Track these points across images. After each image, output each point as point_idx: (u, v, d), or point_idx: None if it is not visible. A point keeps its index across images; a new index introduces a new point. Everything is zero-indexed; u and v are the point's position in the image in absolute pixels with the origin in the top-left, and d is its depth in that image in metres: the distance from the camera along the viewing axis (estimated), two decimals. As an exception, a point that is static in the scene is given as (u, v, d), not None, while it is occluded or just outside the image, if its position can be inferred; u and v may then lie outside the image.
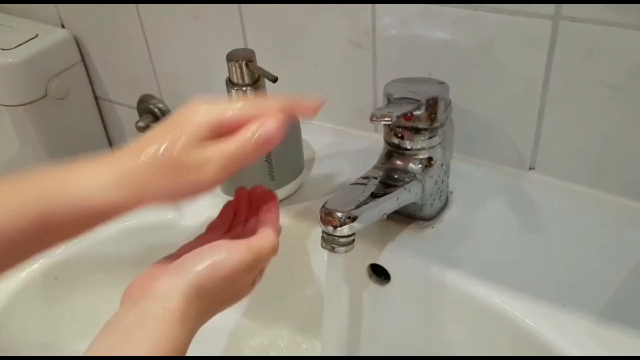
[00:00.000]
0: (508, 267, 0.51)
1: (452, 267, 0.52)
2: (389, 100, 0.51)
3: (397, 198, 0.51)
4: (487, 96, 0.58)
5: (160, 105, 0.86)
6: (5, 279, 0.56)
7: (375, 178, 0.52)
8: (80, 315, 0.60)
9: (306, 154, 0.64)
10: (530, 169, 0.59)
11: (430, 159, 0.53)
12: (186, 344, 0.37)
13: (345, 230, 0.47)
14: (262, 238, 0.41)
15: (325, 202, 0.49)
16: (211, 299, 0.38)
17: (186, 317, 0.36)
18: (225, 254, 0.39)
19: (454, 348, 0.55)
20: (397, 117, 0.46)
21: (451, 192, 0.59)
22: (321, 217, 0.48)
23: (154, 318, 0.35)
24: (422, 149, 0.52)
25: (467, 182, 0.60)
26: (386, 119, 0.45)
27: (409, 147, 0.52)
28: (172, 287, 0.37)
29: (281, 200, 0.61)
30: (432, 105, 0.50)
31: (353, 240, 0.49)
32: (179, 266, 0.38)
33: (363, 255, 0.56)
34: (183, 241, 0.62)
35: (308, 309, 0.62)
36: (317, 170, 0.65)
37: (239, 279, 0.39)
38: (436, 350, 0.56)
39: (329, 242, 0.48)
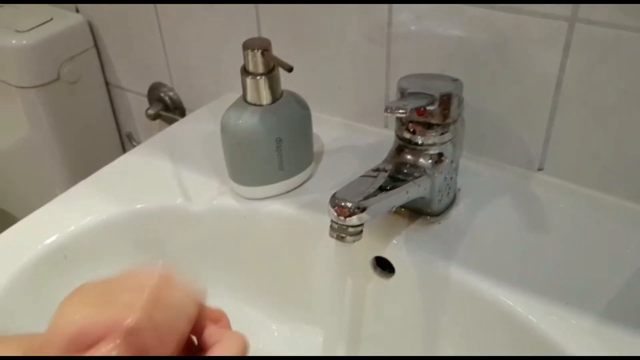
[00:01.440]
0: (513, 264, 0.52)
1: (457, 262, 0.52)
2: (402, 94, 0.51)
3: (407, 192, 0.51)
4: (499, 96, 0.58)
5: (171, 94, 0.86)
6: (14, 255, 0.57)
7: (385, 171, 0.52)
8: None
9: (315, 147, 0.64)
10: (538, 169, 0.60)
11: (440, 154, 0.53)
12: None
13: (354, 220, 0.48)
14: None
15: (335, 192, 0.49)
16: None
17: None
18: None
19: (456, 343, 0.55)
20: (411, 110, 0.46)
21: (459, 190, 0.59)
22: (331, 206, 0.48)
23: None
24: (434, 144, 0.52)
25: (475, 181, 0.60)
26: (400, 111, 0.45)
27: (420, 142, 0.52)
28: None
29: (289, 191, 0.62)
30: (445, 101, 0.50)
31: (361, 231, 0.49)
32: None
33: (368, 247, 0.56)
34: (190, 227, 0.63)
35: (311, 299, 0.62)
36: (325, 163, 0.65)
37: None
38: (437, 345, 0.56)
39: (337, 231, 0.49)
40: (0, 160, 1.03)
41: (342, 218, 0.48)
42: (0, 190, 1.12)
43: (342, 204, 0.48)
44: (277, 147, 0.57)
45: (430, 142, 0.52)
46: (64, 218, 0.61)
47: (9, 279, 0.55)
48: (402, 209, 0.58)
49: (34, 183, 0.99)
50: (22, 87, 0.85)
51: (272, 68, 0.55)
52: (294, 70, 0.53)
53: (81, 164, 0.93)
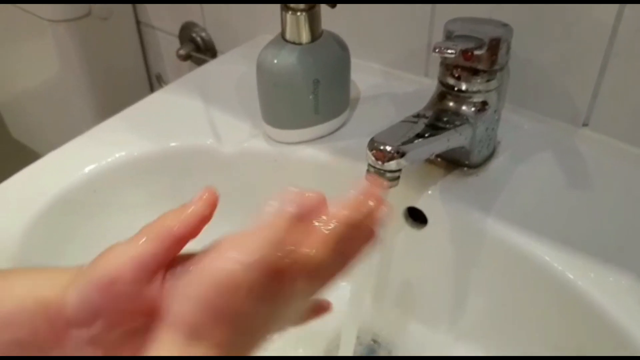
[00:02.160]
0: (551, 220, 0.50)
1: (494, 215, 0.51)
2: (449, 38, 0.49)
3: (448, 139, 0.50)
4: (548, 46, 0.55)
5: (203, 34, 0.85)
6: (43, 187, 0.57)
7: (426, 117, 0.51)
8: (114, 231, 0.60)
9: (351, 94, 0.62)
10: (583, 125, 0.58)
11: (484, 103, 0.51)
12: None
13: (392, 165, 0.47)
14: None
15: (374, 136, 0.48)
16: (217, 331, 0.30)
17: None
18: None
19: (487, 298, 0.54)
20: (460, 52, 0.44)
21: (499, 142, 0.57)
22: (369, 150, 0.47)
23: None
24: (478, 91, 0.50)
25: (517, 134, 0.58)
26: (450, 51, 0.43)
27: (464, 88, 0.50)
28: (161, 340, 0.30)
29: (323, 137, 0.60)
30: (494, 46, 0.48)
31: (398, 177, 0.48)
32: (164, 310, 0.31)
33: (401, 197, 0.55)
34: (220, 168, 0.62)
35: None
36: (361, 110, 0.64)
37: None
38: (467, 299, 0.56)
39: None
40: (28, 98, 1.03)
41: (380, 162, 0.47)
42: (26, 128, 1.12)
43: (381, 147, 0.46)
44: (314, 89, 0.56)
45: (474, 89, 0.50)
46: (95, 152, 0.60)
47: (37, 212, 0.55)
48: (439, 159, 0.56)
49: (60, 122, 0.99)
50: (53, 21, 0.84)
51: (313, 4, 0.53)
52: (331, 13, 0.51)
53: (108, 103, 0.92)
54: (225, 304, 0.29)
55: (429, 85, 0.56)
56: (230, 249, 0.30)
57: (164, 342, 0.30)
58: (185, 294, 0.30)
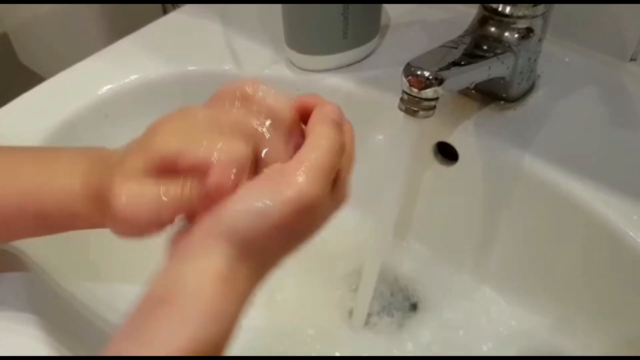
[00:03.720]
0: (593, 159, 0.47)
1: (531, 152, 0.48)
2: (496, -46, 0.45)
3: (489, 67, 0.46)
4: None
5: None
6: (52, 112, 0.53)
7: (465, 43, 0.47)
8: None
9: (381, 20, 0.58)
10: (631, 60, 0.54)
11: (529, 29, 0.47)
12: (235, 316, 0.29)
13: (429, 92, 0.43)
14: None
15: (410, 60, 0.44)
16: (263, 254, 0.31)
17: (232, 284, 0.29)
18: (271, 202, 0.29)
19: (519, 239, 0.52)
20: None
21: (539, 76, 0.53)
22: (404, 76, 0.43)
23: (190, 292, 0.28)
24: (524, 16, 0.46)
25: (558, 67, 0.54)
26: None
27: (508, 12, 0.46)
28: (210, 247, 0.29)
29: (350, 65, 0.57)
30: (546, -36, 0.44)
31: (434, 106, 0.45)
32: (216, 217, 0.29)
33: (431, 131, 0.52)
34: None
35: (363, 183, 0.59)
36: (391, 37, 0.60)
37: (295, 225, 0.31)
38: (495, 240, 0.53)
39: (408, 103, 0.44)
40: (38, 22, 0.99)
41: (415, 90, 0.43)
42: (35, 54, 1.09)
43: (418, 72, 0.43)
44: (344, 10, 0.52)
45: (520, 13, 0.46)
46: (107, 74, 0.57)
47: (44, 136, 0.52)
48: (473, 92, 0.52)
49: (70, 47, 0.95)
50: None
51: None
52: None
53: (119, 29, 0.87)
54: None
55: (465, 13, 0.51)
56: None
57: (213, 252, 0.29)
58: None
